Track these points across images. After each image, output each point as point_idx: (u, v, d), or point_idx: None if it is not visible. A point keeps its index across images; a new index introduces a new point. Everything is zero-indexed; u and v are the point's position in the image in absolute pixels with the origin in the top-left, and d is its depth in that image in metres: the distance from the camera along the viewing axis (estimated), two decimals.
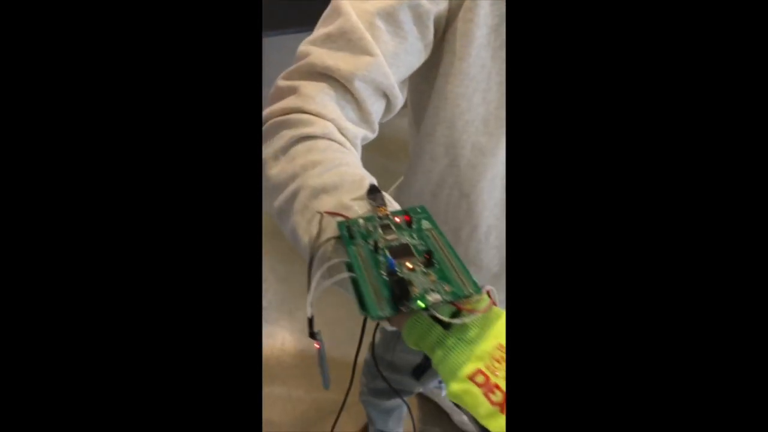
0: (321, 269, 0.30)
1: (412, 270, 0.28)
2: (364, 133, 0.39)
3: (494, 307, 0.27)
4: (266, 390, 1.21)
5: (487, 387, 0.25)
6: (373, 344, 0.77)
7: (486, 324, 0.27)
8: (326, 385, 0.31)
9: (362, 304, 0.27)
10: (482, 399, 0.25)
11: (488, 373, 0.25)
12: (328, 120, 0.36)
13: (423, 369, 0.73)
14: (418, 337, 0.27)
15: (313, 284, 0.29)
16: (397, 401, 0.97)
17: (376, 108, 0.39)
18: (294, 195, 0.34)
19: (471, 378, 0.25)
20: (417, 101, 0.49)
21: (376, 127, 0.40)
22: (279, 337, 1.32)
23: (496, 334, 0.26)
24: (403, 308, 0.26)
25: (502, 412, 0.25)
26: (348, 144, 0.37)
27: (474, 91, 0.42)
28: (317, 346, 0.30)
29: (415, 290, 0.27)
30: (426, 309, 0.27)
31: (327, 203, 0.32)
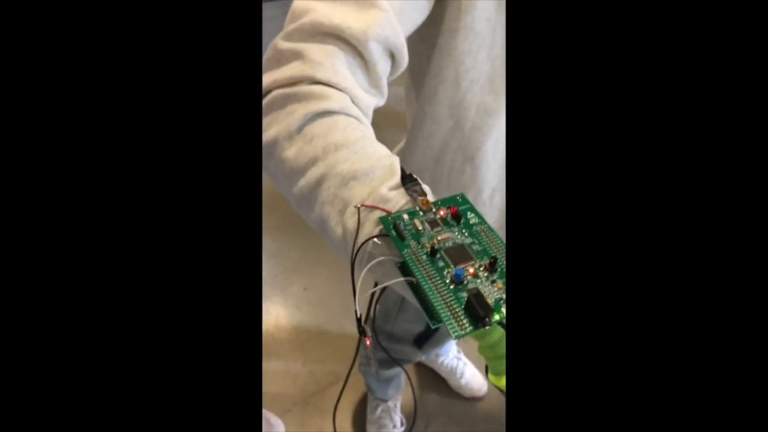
0: (367, 267, 0.30)
1: (475, 275, 0.28)
2: (375, 102, 0.37)
3: None
4: (264, 365, 1.22)
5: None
6: (372, 316, 0.77)
7: None
8: (378, 377, 0.31)
9: (434, 317, 0.27)
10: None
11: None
12: (341, 89, 0.34)
13: (425, 338, 0.74)
14: (476, 336, 0.27)
15: (359, 284, 0.29)
16: (395, 370, 0.98)
17: (385, 70, 0.36)
18: (319, 183, 0.31)
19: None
20: (415, 63, 0.47)
21: (386, 92, 0.38)
22: (273, 313, 1.32)
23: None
24: (484, 324, 0.25)
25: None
26: (364, 118, 0.35)
27: (479, 47, 0.41)
28: (368, 343, 0.29)
29: (489, 302, 0.26)
30: (502, 323, 0.26)
31: (360, 193, 0.30)
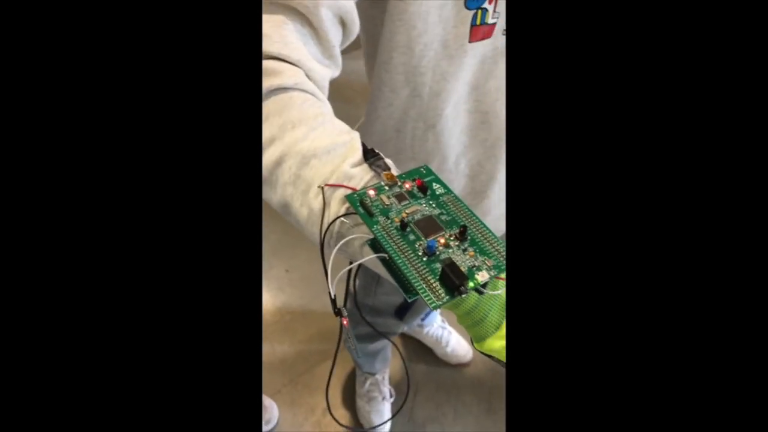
0: (336, 246, 0.29)
1: (447, 245, 0.27)
2: (330, 73, 0.36)
3: None
4: None
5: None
6: (353, 292, 0.77)
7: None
8: (358, 356, 0.31)
9: (410, 291, 0.27)
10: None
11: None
12: (294, 63, 0.32)
13: (405, 308, 0.74)
14: (452, 305, 0.27)
15: (330, 264, 0.28)
16: (381, 344, 0.99)
17: (337, 38, 0.35)
18: (278, 163, 0.31)
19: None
20: (369, 29, 0.46)
21: (340, 61, 0.36)
22: None
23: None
24: (460, 293, 0.25)
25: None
26: (319, 92, 0.34)
27: (429, 8, 0.39)
28: (345, 323, 0.29)
29: (462, 270, 0.26)
30: (478, 290, 0.26)
31: (322, 171, 0.30)
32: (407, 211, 0.28)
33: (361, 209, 0.28)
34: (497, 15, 0.41)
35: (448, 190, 0.30)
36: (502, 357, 0.27)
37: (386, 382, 1.12)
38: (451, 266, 0.25)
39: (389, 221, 0.28)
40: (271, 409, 1.10)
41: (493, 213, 0.57)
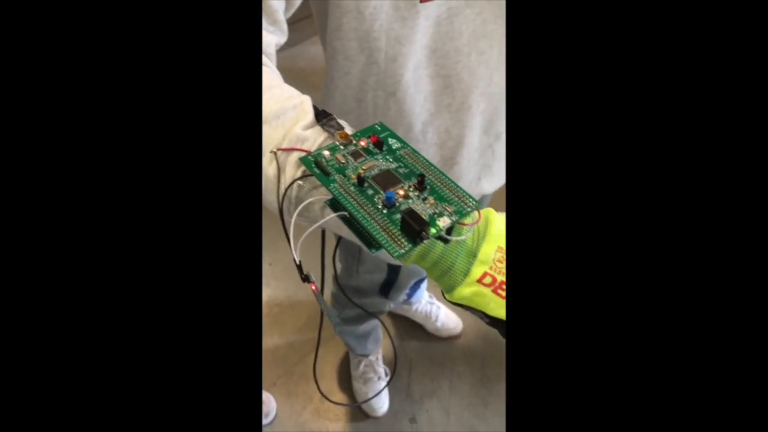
0: (296, 211, 0.29)
1: (406, 197, 0.27)
2: (276, 39, 0.35)
3: (485, 213, 0.28)
4: None
5: (495, 286, 0.27)
6: (334, 274, 0.76)
7: (481, 231, 0.27)
8: (334, 319, 0.31)
9: (373, 244, 0.26)
10: (493, 296, 0.27)
11: (494, 274, 0.27)
12: None
13: (389, 284, 0.74)
14: (418, 257, 0.27)
15: (291, 230, 0.28)
16: (370, 325, 0.99)
17: (280, 5, 0.34)
18: None
19: (479, 281, 0.27)
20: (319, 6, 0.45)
21: (285, 27, 0.36)
22: None
23: (494, 239, 0.27)
24: (422, 239, 0.25)
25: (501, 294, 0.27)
26: (267, 60, 0.33)
27: None
28: (314, 288, 0.29)
29: (423, 217, 0.26)
30: (443, 237, 0.26)
31: (274, 137, 0.29)
32: (364, 167, 0.28)
33: (316, 170, 0.28)
34: None
35: (405, 144, 0.30)
36: (473, 304, 0.27)
37: (380, 362, 1.12)
38: (410, 214, 0.25)
39: (346, 179, 0.28)
40: (269, 403, 1.10)
41: (465, 178, 0.57)
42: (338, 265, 0.80)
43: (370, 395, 1.09)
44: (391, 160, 0.29)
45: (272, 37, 0.34)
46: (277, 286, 1.32)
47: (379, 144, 0.30)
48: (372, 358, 1.10)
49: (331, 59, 0.46)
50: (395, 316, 1.26)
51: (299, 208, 0.29)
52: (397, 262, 0.29)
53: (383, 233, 0.26)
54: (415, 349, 1.21)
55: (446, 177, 0.28)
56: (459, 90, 0.47)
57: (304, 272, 0.30)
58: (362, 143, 0.30)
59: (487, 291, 0.27)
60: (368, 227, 0.26)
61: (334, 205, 0.28)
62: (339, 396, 1.14)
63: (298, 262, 0.29)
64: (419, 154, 0.29)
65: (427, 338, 1.23)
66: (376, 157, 0.29)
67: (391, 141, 0.30)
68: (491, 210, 0.28)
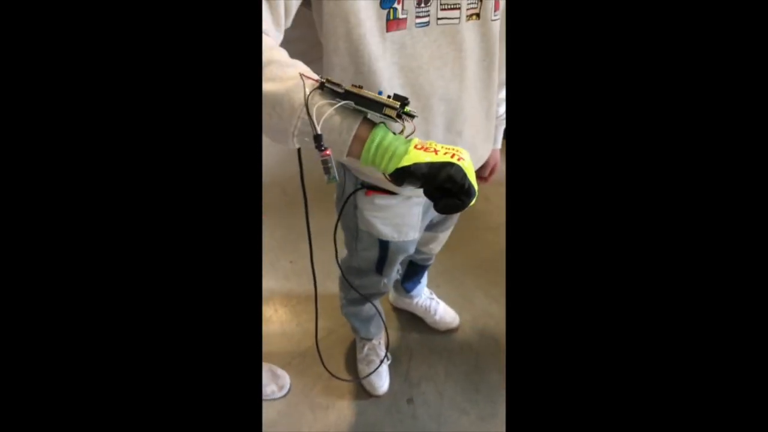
0: (318, 103, 0.44)
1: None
2: (279, 39, 0.52)
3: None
4: (264, 329, 1.37)
5: (425, 148, 0.44)
6: (339, 265, 0.93)
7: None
8: (335, 178, 0.44)
9: (378, 105, 0.43)
10: (424, 153, 0.44)
11: (426, 146, 0.45)
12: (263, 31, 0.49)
13: (382, 261, 0.90)
14: (378, 147, 0.44)
15: (314, 113, 0.43)
16: (373, 308, 1.14)
17: (281, 11, 0.51)
18: (266, 64, 0.45)
19: (414, 147, 0.44)
20: (318, 20, 0.62)
21: (283, 30, 0.53)
22: (265, 286, 1.48)
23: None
24: (407, 104, 0.43)
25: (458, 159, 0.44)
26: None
27: (359, 7, 0.55)
28: (328, 152, 0.44)
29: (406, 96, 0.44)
30: (404, 108, 0.43)
31: (293, 73, 0.45)
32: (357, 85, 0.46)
33: (329, 85, 0.45)
34: (406, 11, 0.58)
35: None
36: (407, 161, 0.43)
37: (382, 346, 1.26)
38: (396, 95, 0.43)
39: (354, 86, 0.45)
40: (284, 377, 1.25)
41: None
42: (342, 252, 0.96)
43: (373, 377, 1.23)
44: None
45: (279, 36, 0.52)
46: (296, 281, 1.49)
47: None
48: (375, 342, 1.24)
49: (330, 70, 0.63)
50: (398, 310, 1.40)
51: (318, 103, 0.44)
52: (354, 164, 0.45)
53: (382, 101, 0.43)
54: (415, 339, 1.34)
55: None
56: (422, 96, 0.64)
57: (321, 142, 0.44)
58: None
59: (420, 151, 0.43)
60: (373, 97, 0.43)
61: (344, 97, 0.44)
62: (344, 376, 1.28)
63: (318, 132, 0.44)
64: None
65: (426, 330, 1.36)
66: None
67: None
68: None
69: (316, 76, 0.46)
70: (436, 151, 0.44)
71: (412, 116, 0.43)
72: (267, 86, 0.45)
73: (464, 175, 0.43)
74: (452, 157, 0.43)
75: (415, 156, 0.43)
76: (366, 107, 0.44)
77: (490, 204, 1.75)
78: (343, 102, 0.44)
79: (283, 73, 0.45)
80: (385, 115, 0.43)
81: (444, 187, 0.42)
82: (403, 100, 0.43)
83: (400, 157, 0.44)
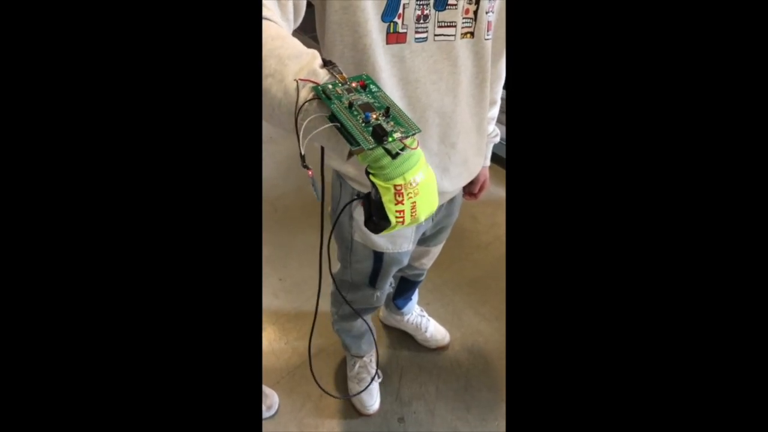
0: (309, 117, 0.42)
1: (377, 119, 0.44)
2: (288, 28, 0.52)
3: (418, 148, 0.44)
4: None
5: (397, 193, 0.43)
6: (334, 280, 0.92)
7: (413, 158, 0.44)
8: (319, 197, 0.43)
9: (354, 141, 0.42)
10: (392, 197, 0.43)
11: (403, 191, 0.43)
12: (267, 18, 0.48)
13: (376, 273, 0.91)
14: (373, 161, 0.43)
15: (301, 132, 0.43)
16: (364, 325, 1.13)
17: (290, 7, 0.52)
18: (263, 59, 0.45)
19: (394, 186, 0.43)
20: (321, 26, 0.64)
21: (292, 26, 0.54)
22: None
23: (416, 170, 0.43)
24: (383, 142, 0.41)
25: (398, 215, 0.43)
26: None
27: (367, 17, 0.57)
28: (311, 173, 0.43)
29: (387, 129, 0.43)
30: (394, 141, 0.42)
31: (293, 69, 0.44)
32: (352, 98, 0.44)
33: (323, 95, 0.44)
34: (405, 26, 0.60)
35: (380, 89, 0.47)
36: (379, 187, 0.42)
37: (373, 364, 1.25)
38: (378, 127, 0.42)
39: (341, 103, 0.44)
40: (272, 396, 1.22)
41: None
42: (336, 266, 0.96)
43: (364, 395, 1.21)
44: (370, 97, 0.46)
45: (286, 26, 0.52)
46: (285, 299, 1.47)
47: (365, 86, 0.46)
48: (366, 359, 1.23)
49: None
50: (388, 327, 1.39)
51: (309, 118, 0.43)
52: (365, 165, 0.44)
53: (360, 134, 0.42)
54: (406, 357, 1.34)
55: (404, 113, 0.44)
56: (418, 107, 0.66)
57: (305, 163, 0.43)
58: (353, 84, 0.46)
59: (393, 194, 0.42)
60: (353, 131, 0.42)
61: (332, 118, 0.43)
62: (335, 394, 1.26)
63: (302, 153, 0.43)
64: (388, 97, 0.47)
65: (417, 348, 1.36)
66: (361, 94, 0.46)
67: (372, 86, 0.47)
68: (422, 154, 0.45)
69: (317, 75, 0.45)
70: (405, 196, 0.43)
71: (392, 154, 0.42)
72: (266, 83, 0.45)
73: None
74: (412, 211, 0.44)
75: (387, 189, 0.43)
76: (345, 136, 0.43)
77: (478, 223, 1.77)
78: (333, 124, 0.43)
79: (283, 67, 0.45)
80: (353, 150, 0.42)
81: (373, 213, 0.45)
82: (381, 138, 0.40)
83: (388, 179, 0.43)
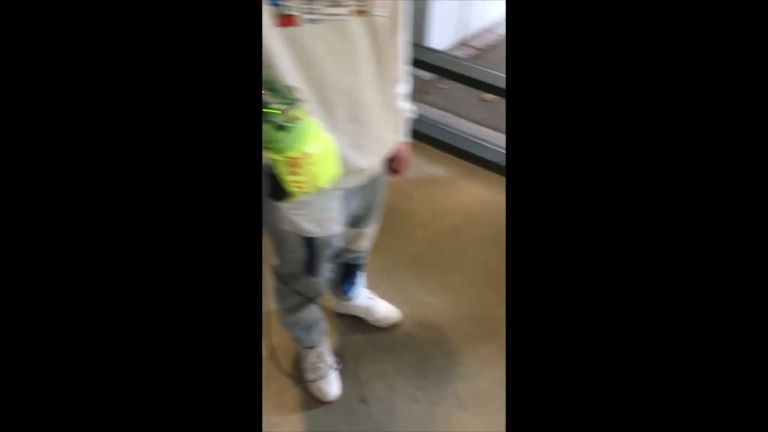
0: None
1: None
2: None
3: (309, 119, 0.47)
4: None
5: (295, 165, 0.45)
6: (275, 272, 0.92)
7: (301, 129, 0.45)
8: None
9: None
10: (287, 168, 0.45)
11: (299, 162, 0.45)
12: None
13: (310, 260, 0.92)
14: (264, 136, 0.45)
15: None
16: (312, 314, 1.14)
17: None
18: None
19: (289, 158, 0.45)
20: None
21: None
22: None
23: (307, 140, 0.46)
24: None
25: (298, 185, 0.45)
26: None
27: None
28: None
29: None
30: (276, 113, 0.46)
31: None
32: None
33: None
34: (296, 9, 0.61)
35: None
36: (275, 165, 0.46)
37: (328, 353, 1.26)
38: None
39: None
40: None
41: (342, 153, 0.75)
42: (274, 261, 0.96)
43: (322, 384, 1.22)
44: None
45: None
46: None
47: None
48: (320, 349, 1.24)
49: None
50: (340, 315, 1.41)
51: None
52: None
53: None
54: (360, 340, 1.36)
55: (285, 85, 0.48)
56: (322, 89, 0.67)
57: None
58: None
59: (287, 167, 0.45)
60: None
61: None
62: (293, 391, 1.26)
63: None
64: (271, 74, 0.50)
65: (369, 330, 1.38)
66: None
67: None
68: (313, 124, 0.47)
69: None
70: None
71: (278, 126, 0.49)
72: None
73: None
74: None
75: (281, 162, 0.46)
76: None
77: (414, 202, 1.82)
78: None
79: None
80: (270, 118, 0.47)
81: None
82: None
83: (281, 151, 0.46)
